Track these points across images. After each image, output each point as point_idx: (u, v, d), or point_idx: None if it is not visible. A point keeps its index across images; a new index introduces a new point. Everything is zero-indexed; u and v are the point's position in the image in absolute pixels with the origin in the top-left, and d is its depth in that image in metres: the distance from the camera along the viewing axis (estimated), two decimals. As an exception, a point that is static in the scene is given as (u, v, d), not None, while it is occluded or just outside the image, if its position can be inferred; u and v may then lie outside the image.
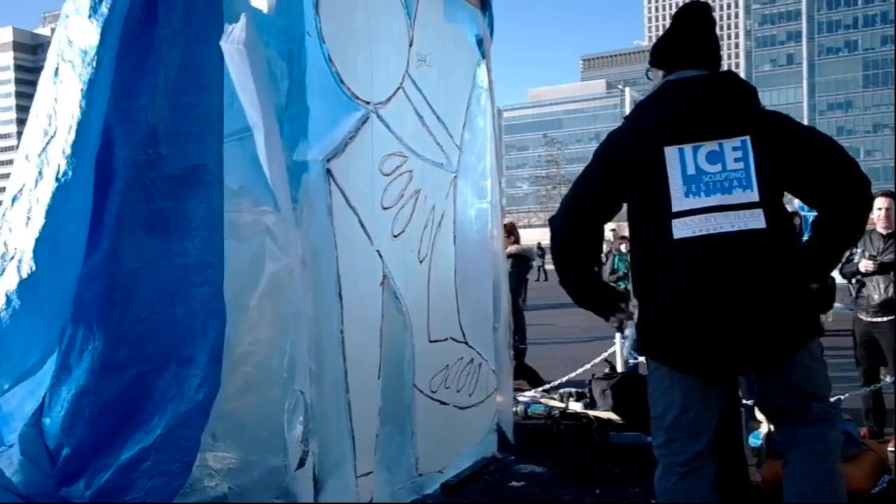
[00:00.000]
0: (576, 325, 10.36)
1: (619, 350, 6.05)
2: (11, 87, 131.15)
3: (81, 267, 2.77)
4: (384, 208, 3.30)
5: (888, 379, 4.68)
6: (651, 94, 2.70)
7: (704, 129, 2.51)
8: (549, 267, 8.29)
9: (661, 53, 2.77)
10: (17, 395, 2.89)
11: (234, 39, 2.56)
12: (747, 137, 2.49)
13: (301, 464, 2.81)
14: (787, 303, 2.48)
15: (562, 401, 5.22)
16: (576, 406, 5.06)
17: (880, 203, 4.58)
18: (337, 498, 2.97)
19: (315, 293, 2.92)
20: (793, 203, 7.07)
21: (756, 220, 2.44)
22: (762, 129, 2.52)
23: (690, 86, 2.60)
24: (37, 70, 3.17)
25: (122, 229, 2.75)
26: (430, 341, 3.65)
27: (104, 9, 2.71)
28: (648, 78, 2.86)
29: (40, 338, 2.81)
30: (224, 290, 2.76)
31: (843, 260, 4.65)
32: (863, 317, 4.76)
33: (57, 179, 2.65)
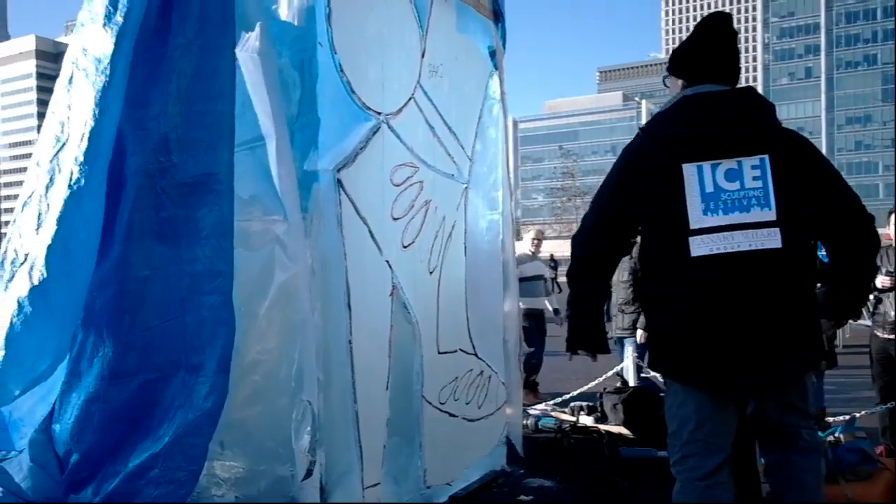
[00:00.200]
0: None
1: (632, 364, 6.01)
2: (33, 95, 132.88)
3: (93, 274, 2.79)
4: (394, 219, 3.29)
5: (905, 396, 4.61)
6: (669, 108, 2.67)
7: (723, 147, 2.50)
8: (562, 279, 8.26)
9: (683, 63, 2.75)
10: (28, 401, 2.90)
11: (248, 48, 2.58)
12: (766, 156, 2.49)
13: (308, 474, 2.80)
14: (799, 324, 2.48)
15: (573, 414, 5.18)
16: (587, 420, 5.02)
17: None
18: (343, 509, 2.96)
19: (324, 303, 2.91)
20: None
21: (773, 239, 2.44)
22: (781, 147, 2.52)
23: (710, 102, 2.58)
24: (58, 78, 3.21)
25: (132, 237, 2.76)
26: (440, 353, 3.63)
27: (119, 17, 2.74)
28: (665, 85, 2.85)
29: (51, 344, 2.82)
30: (233, 299, 2.77)
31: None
32: (879, 333, 4.70)
33: (69, 187, 2.67)
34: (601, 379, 6.14)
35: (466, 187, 3.90)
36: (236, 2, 2.82)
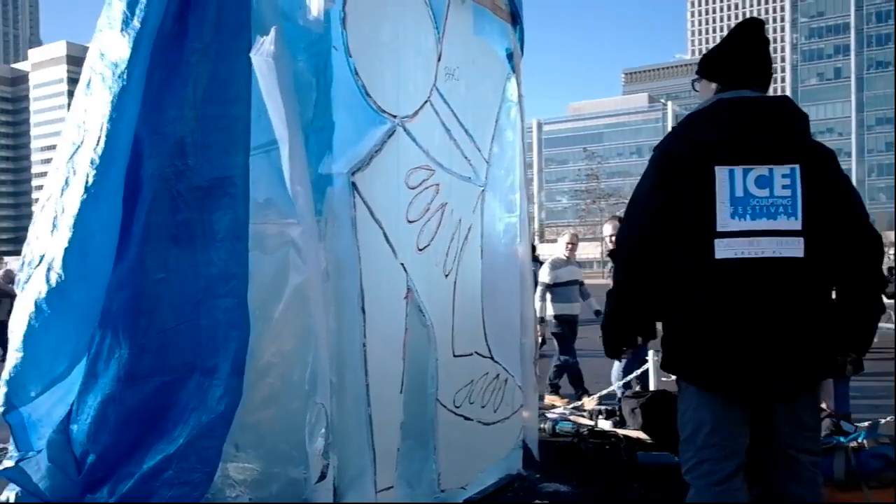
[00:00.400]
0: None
1: (652, 367, 5.96)
2: (65, 100, 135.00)
3: (109, 276, 2.82)
4: (409, 221, 3.29)
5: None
6: (704, 109, 2.67)
7: (756, 153, 2.51)
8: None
9: (717, 66, 2.75)
10: (47, 402, 2.94)
11: (263, 52, 2.59)
12: (797, 166, 2.50)
13: (322, 477, 2.80)
14: (815, 335, 2.50)
15: (591, 418, 5.14)
16: (605, 424, 4.98)
17: None
18: (356, 512, 2.96)
19: (337, 306, 2.92)
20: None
21: (796, 248, 2.47)
22: (812, 159, 2.54)
23: (746, 107, 2.58)
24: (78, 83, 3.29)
25: (149, 239, 2.79)
26: (455, 356, 3.62)
27: (136, 22, 2.76)
28: (695, 89, 2.85)
29: (69, 346, 2.85)
30: (248, 302, 2.79)
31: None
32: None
33: (86, 190, 2.70)
34: (620, 383, 6.10)
35: (483, 190, 3.89)
36: (252, 6, 2.85)
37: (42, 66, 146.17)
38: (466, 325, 3.74)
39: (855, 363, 5.17)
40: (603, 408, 5.22)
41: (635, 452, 4.46)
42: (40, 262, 2.76)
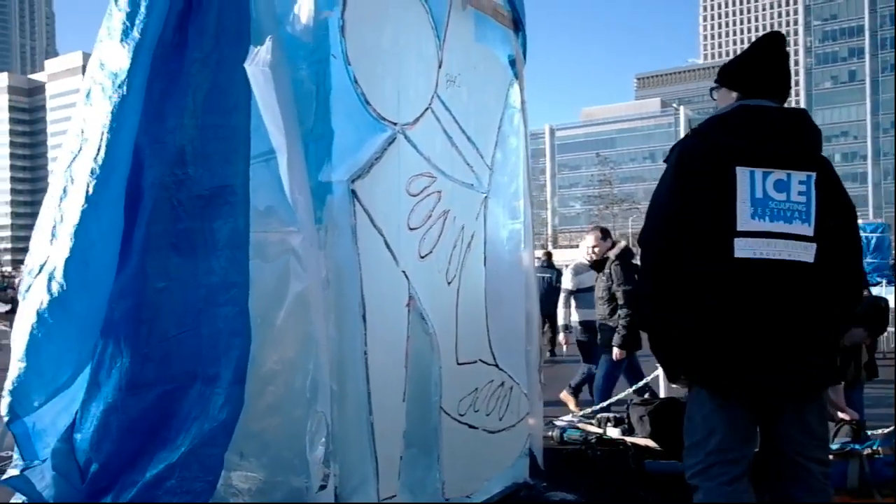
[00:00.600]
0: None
1: (662, 374, 5.92)
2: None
3: (111, 285, 2.83)
4: (411, 229, 3.29)
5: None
6: (726, 113, 2.73)
7: (776, 157, 2.60)
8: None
9: (739, 76, 2.82)
10: (51, 411, 2.95)
11: (259, 61, 2.60)
12: (813, 174, 2.61)
13: (323, 486, 2.80)
14: (821, 340, 2.57)
15: (599, 426, 5.11)
16: (613, 432, 4.94)
17: None
18: (359, 521, 2.95)
19: (338, 314, 2.92)
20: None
21: (807, 253, 2.54)
22: (822, 171, 2.65)
23: (767, 116, 2.68)
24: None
25: (149, 248, 2.80)
26: (459, 364, 3.61)
27: (136, 33, 2.78)
28: (713, 97, 2.93)
29: (72, 355, 2.87)
30: (249, 310, 2.79)
31: None
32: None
33: (87, 199, 2.72)
34: (630, 390, 6.05)
35: (486, 197, 3.88)
36: (252, 16, 2.86)
37: (58, 77, 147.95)
38: (470, 333, 3.72)
39: (869, 368, 5.12)
40: (612, 415, 5.18)
41: (643, 460, 4.42)
42: (40, 270, 2.78)
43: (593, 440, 4.91)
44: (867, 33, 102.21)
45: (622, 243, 6.36)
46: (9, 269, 61.40)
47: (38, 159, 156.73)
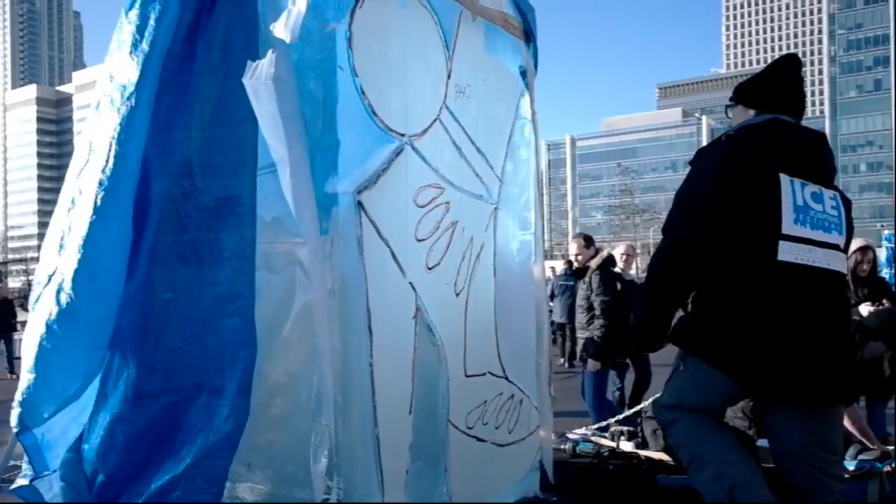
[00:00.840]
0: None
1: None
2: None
3: (120, 296, 2.84)
4: (418, 240, 3.27)
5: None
6: (760, 124, 2.79)
7: (809, 172, 2.68)
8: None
9: (758, 94, 2.90)
10: (60, 422, 2.97)
11: (259, 75, 2.60)
12: (837, 193, 2.74)
13: (326, 498, 2.78)
14: (846, 347, 2.68)
15: (612, 439, 5.04)
16: (626, 445, 4.87)
17: None
18: (364, 534, 2.92)
19: (343, 325, 2.90)
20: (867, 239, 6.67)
21: (841, 264, 2.66)
22: (840, 193, 2.79)
23: (798, 131, 2.78)
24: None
25: (156, 260, 2.81)
26: (467, 376, 3.58)
27: (145, 45, 2.81)
28: (727, 115, 3.00)
29: (81, 366, 2.88)
30: (257, 321, 2.79)
31: None
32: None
33: (95, 211, 2.73)
34: (647, 403, 5.97)
35: (496, 208, 3.86)
36: (260, 28, 2.87)
37: (85, 88, 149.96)
38: (479, 345, 3.69)
39: (891, 382, 5.05)
40: (625, 428, 5.11)
41: (656, 475, 4.36)
42: (49, 281, 2.80)
43: (606, 454, 4.85)
44: (892, 42, 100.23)
45: (604, 252, 6.25)
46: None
47: (64, 170, 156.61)
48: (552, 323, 10.69)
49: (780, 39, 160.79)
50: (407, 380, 3.16)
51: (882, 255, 12.64)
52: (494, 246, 3.84)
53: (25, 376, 2.83)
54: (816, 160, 2.76)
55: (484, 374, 3.73)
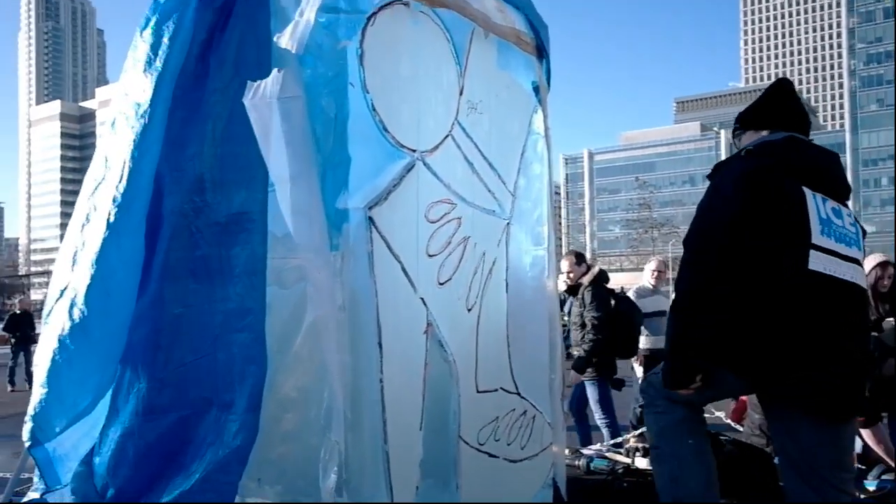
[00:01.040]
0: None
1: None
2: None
3: (132, 311, 2.87)
4: (430, 255, 3.27)
5: None
6: (778, 141, 2.81)
7: (827, 188, 2.72)
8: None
9: (767, 115, 2.96)
10: (72, 436, 2.99)
11: (264, 95, 2.62)
12: (851, 211, 2.80)
13: (334, 516, 2.77)
14: (869, 362, 2.78)
15: (628, 456, 4.99)
16: (642, 462, 4.82)
17: None
18: (373, 552, 2.91)
19: (354, 341, 2.90)
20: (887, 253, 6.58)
21: (863, 279, 2.69)
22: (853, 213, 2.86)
23: (814, 148, 2.84)
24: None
25: (168, 275, 2.84)
26: (479, 392, 3.56)
27: (158, 63, 2.85)
28: (736, 146, 3.02)
29: (92, 380, 2.91)
30: (268, 336, 2.80)
31: None
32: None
33: (108, 227, 2.76)
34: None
35: (508, 223, 3.85)
36: (272, 46, 2.89)
37: (108, 104, 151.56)
38: (491, 361, 3.68)
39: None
40: (641, 445, 5.05)
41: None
42: (61, 295, 2.83)
43: (621, 470, 4.80)
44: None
45: (596, 269, 6.27)
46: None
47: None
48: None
49: (798, 53, 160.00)
50: (418, 395, 3.15)
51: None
52: (507, 261, 3.83)
53: (38, 390, 2.86)
54: (832, 177, 2.79)
55: (496, 389, 3.71)
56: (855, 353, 2.59)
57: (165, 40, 2.86)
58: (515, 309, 3.87)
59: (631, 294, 7.06)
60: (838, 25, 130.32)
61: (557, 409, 4.08)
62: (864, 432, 4.85)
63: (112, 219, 2.77)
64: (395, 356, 3.00)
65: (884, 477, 4.79)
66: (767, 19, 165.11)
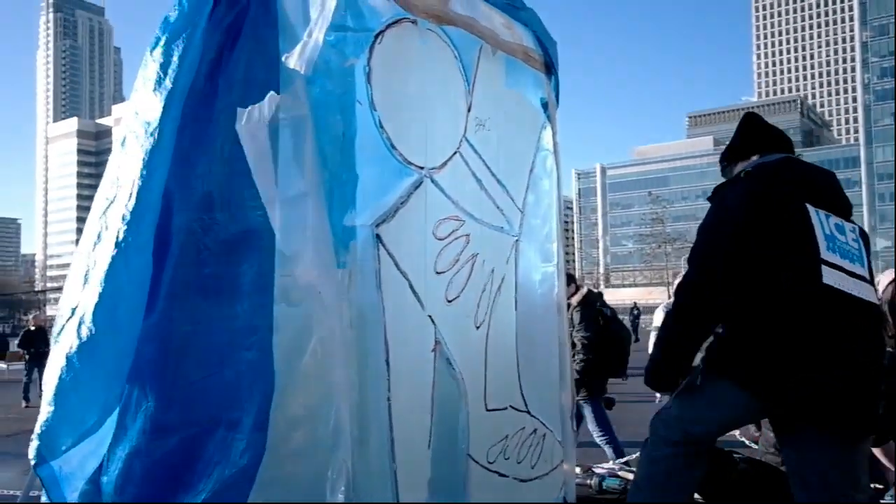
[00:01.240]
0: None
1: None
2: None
3: (140, 329, 2.87)
4: (438, 273, 3.26)
5: None
6: (774, 163, 2.83)
7: (828, 204, 2.73)
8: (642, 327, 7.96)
9: (755, 141, 2.99)
10: (78, 454, 2.98)
11: (260, 117, 2.64)
12: (856, 226, 2.78)
13: (342, 535, 2.75)
14: (882, 378, 2.63)
15: (640, 475, 4.93)
16: (654, 481, 4.76)
17: None
18: (381, 572, 2.88)
19: (361, 359, 2.89)
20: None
21: (872, 295, 2.67)
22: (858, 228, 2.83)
23: (809, 166, 2.86)
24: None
25: (176, 293, 2.83)
26: (488, 410, 3.54)
27: (168, 82, 2.86)
28: (724, 176, 3.06)
29: (100, 398, 2.90)
30: (275, 354, 2.79)
31: None
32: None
33: (117, 245, 2.77)
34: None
35: (517, 240, 3.84)
36: (281, 65, 2.91)
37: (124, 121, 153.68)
38: (500, 378, 3.65)
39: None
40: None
41: (684, 513, 4.24)
42: (72, 314, 2.83)
43: (633, 490, 4.74)
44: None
45: (584, 289, 6.37)
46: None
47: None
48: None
49: (812, 67, 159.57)
50: (426, 414, 3.13)
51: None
52: (516, 278, 3.81)
53: (45, 408, 2.86)
54: (832, 194, 2.81)
55: (505, 407, 3.68)
56: (859, 357, 2.56)
57: (175, 59, 2.87)
58: (524, 326, 3.85)
59: (660, 309, 7.15)
60: (852, 39, 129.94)
61: (567, 428, 4.05)
62: (877, 451, 4.77)
63: (121, 237, 2.77)
64: (402, 374, 2.99)
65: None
66: (780, 33, 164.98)
